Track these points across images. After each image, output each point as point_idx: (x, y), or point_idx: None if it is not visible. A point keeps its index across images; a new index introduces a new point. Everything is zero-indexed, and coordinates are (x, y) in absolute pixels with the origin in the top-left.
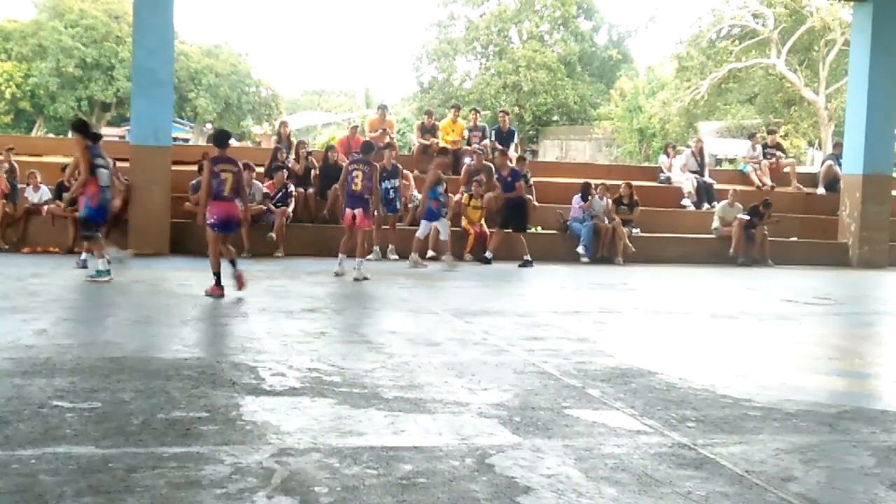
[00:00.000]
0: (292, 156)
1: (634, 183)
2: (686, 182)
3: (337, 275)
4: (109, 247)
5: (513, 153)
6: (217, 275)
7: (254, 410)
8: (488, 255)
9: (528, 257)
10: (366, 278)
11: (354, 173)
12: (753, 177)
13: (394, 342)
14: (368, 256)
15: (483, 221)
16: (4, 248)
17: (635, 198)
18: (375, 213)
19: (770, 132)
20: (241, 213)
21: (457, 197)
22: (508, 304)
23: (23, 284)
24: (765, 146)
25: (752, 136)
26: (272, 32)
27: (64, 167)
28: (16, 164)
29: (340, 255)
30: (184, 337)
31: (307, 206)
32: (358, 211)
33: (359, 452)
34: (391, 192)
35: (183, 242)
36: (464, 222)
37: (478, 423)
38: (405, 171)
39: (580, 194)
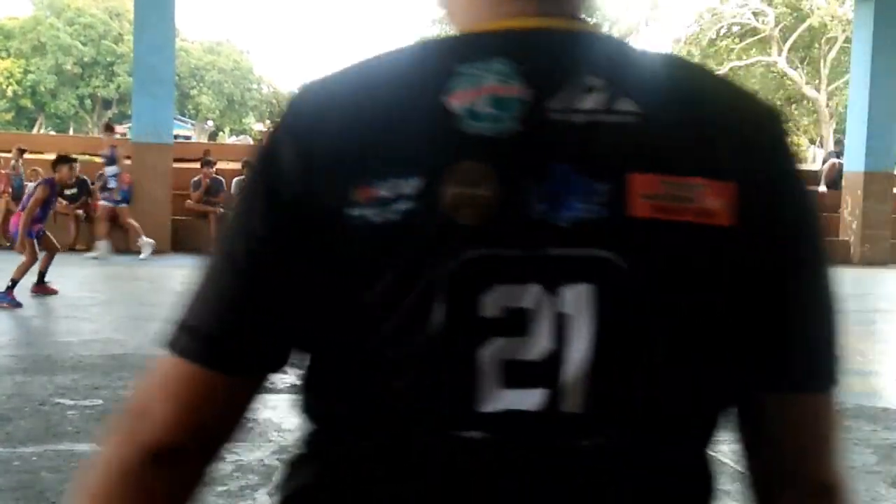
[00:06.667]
0: None
1: None
2: None
3: None
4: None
5: None
6: None
7: (255, 408)
8: None
9: None
10: None
11: None
12: None
13: None
14: None
15: None
16: (5, 246)
17: None
18: None
19: None
20: None
21: None
22: None
23: (23, 282)
24: None
25: None
26: (273, 30)
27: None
28: (21, 165)
29: None
30: None
31: None
32: None
33: None
34: None
35: (184, 240)
36: None
37: None
38: None
39: None
